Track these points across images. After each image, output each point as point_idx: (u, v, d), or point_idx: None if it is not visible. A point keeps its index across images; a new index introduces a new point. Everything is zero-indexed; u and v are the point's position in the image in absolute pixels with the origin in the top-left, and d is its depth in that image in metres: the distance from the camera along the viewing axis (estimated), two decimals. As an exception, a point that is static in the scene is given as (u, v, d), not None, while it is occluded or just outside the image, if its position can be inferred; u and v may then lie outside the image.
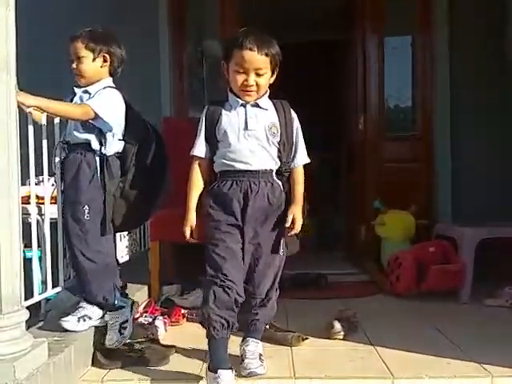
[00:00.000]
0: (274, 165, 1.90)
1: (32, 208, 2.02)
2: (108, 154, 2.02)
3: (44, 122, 2.04)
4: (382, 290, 3.26)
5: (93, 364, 2.00)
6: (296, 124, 1.96)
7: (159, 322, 2.35)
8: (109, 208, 2.01)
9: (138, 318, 2.42)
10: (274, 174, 1.91)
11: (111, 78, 2.14)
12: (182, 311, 2.65)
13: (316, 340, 2.29)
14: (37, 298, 1.98)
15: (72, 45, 2.06)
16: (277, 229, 1.92)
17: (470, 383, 1.89)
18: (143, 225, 3.13)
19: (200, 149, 1.91)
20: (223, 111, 1.90)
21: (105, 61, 2.09)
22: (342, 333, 2.32)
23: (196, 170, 1.92)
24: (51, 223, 2.12)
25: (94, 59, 2.06)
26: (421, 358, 2.06)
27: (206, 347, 1.89)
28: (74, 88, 2.10)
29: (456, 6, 3.80)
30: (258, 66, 1.82)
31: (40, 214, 2.18)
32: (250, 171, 1.86)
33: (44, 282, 2.10)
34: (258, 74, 1.84)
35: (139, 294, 2.73)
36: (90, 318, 2.03)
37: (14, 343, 1.53)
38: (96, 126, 2.01)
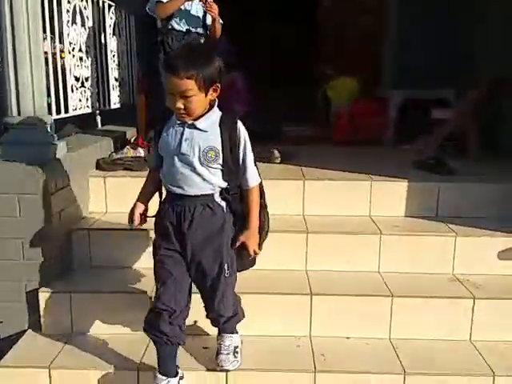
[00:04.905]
0: (213, 189, 1.78)
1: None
2: None
3: None
4: (328, 141, 4.06)
5: (97, 168, 2.87)
6: (243, 142, 1.78)
7: (144, 147, 3.18)
8: None
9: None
10: (215, 196, 1.79)
11: None
12: (163, 145, 3.48)
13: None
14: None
15: None
16: (220, 251, 1.83)
17: (354, 184, 2.73)
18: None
19: (151, 159, 1.92)
20: (165, 127, 1.78)
21: None
22: (280, 158, 3.16)
23: (148, 175, 1.94)
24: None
25: None
26: (326, 171, 2.90)
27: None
28: None
29: None
30: (181, 89, 1.64)
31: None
32: (187, 196, 1.77)
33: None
34: (185, 97, 1.66)
35: (130, 131, 3.58)
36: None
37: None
38: None
